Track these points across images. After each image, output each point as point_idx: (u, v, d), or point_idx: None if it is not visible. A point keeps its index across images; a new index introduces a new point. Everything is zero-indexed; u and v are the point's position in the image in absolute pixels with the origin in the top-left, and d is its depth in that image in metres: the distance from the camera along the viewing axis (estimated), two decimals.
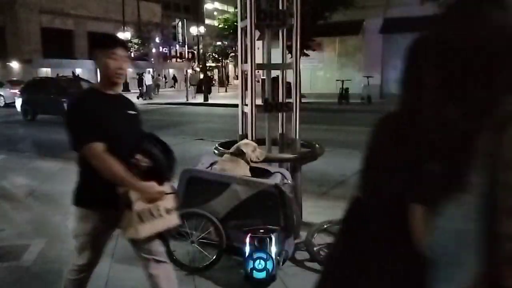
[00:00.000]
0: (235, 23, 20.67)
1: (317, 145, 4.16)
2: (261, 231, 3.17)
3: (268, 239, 3.13)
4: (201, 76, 30.35)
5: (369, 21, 21.80)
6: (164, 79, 40.47)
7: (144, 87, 27.10)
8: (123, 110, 2.35)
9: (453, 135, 1.00)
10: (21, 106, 16.45)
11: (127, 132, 2.29)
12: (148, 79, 27.90)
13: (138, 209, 2.21)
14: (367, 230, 1.19)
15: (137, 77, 28.67)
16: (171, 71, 47.06)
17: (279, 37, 4.11)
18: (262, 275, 3.08)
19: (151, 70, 36.22)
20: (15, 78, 28.90)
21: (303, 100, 12.83)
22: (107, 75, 2.24)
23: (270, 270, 3.07)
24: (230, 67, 53.38)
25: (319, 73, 25.02)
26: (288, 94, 4.26)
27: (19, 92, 17.82)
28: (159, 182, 2.27)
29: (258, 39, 3.88)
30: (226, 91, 35.07)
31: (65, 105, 14.63)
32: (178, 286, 2.48)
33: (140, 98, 25.82)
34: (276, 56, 3.91)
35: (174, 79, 43.50)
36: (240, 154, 3.55)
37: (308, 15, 16.63)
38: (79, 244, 2.37)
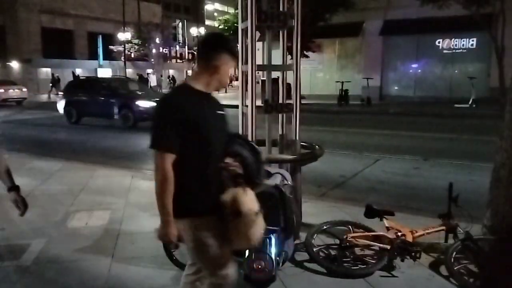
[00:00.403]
0: (235, 24, 20.67)
1: (317, 146, 4.17)
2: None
3: (268, 239, 3.12)
4: None
5: (369, 23, 21.86)
6: (168, 79, 40.34)
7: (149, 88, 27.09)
8: (215, 110, 2.20)
9: None
10: (64, 108, 15.30)
11: (218, 133, 2.14)
12: (153, 80, 27.78)
13: (248, 216, 2.04)
14: None
15: (137, 77, 28.59)
16: (171, 71, 47.06)
17: (280, 38, 4.12)
18: (262, 275, 3.09)
19: (152, 70, 36.24)
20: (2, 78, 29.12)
21: (303, 102, 12.81)
22: (220, 80, 2.18)
23: (269, 270, 3.08)
24: None
25: (319, 74, 25.07)
26: (288, 95, 4.27)
27: (61, 93, 16.64)
28: (250, 187, 2.13)
29: (258, 40, 3.88)
30: (226, 91, 35.06)
31: (116, 107, 13.76)
32: (177, 286, 2.48)
33: None
34: (276, 57, 3.92)
35: (173, 79, 43.51)
36: None
37: (309, 17, 16.67)
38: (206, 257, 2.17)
